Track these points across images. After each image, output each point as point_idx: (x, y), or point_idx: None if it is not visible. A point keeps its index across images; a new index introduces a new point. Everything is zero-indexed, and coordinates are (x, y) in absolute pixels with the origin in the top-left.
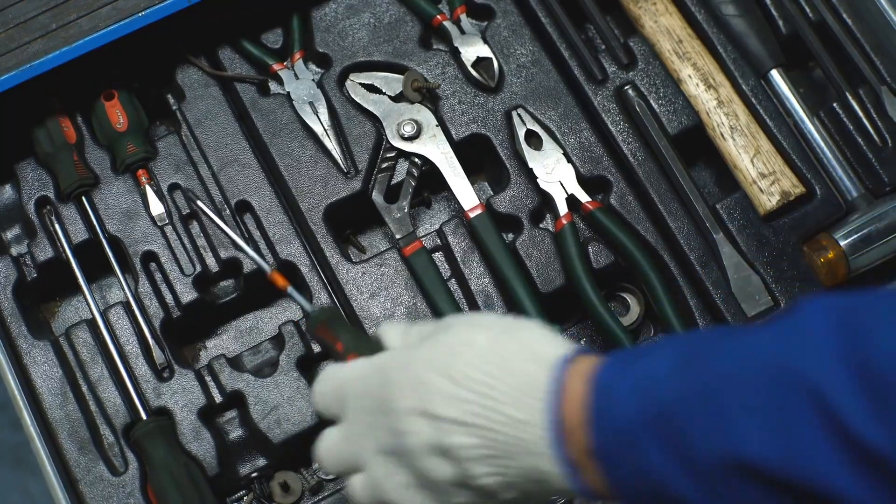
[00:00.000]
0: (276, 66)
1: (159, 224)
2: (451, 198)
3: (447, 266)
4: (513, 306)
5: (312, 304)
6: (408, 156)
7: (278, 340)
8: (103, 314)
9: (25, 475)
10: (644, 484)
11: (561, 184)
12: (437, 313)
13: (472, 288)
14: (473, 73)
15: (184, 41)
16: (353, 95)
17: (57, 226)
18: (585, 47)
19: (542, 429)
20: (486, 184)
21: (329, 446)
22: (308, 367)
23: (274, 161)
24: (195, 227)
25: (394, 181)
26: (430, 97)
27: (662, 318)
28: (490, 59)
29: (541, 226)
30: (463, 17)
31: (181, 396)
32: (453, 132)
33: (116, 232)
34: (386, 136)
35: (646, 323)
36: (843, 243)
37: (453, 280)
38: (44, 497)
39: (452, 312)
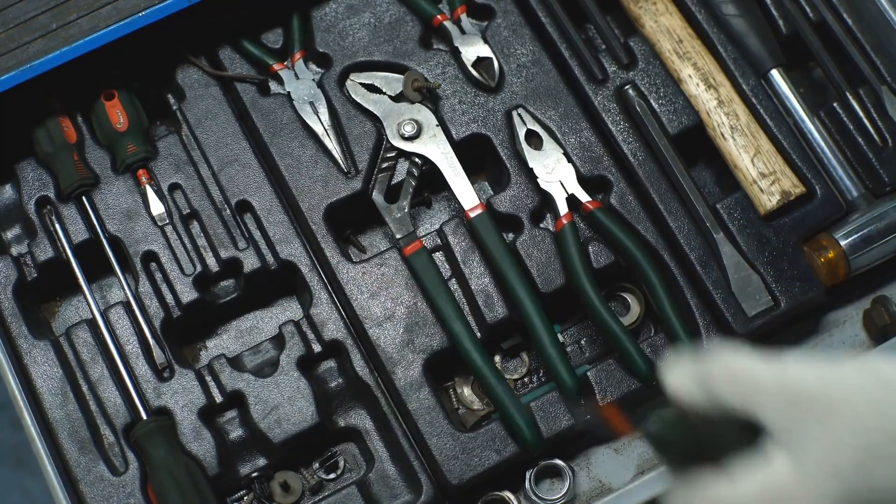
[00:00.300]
0: (276, 66)
1: (159, 224)
2: (452, 197)
3: (447, 266)
4: (513, 306)
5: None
6: (408, 155)
7: (278, 340)
8: (103, 314)
9: (25, 475)
10: None
11: (561, 183)
12: (437, 313)
13: (473, 288)
14: (474, 72)
15: (184, 41)
16: (353, 95)
17: (57, 226)
18: (586, 47)
19: None
20: (487, 183)
21: None
22: (308, 367)
23: (274, 161)
24: (195, 227)
25: (394, 181)
26: (430, 97)
27: (662, 318)
28: (490, 58)
29: (541, 225)
30: (463, 16)
31: (181, 396)
32: (453, 132)
33: (117, 232)
34: (386, 135)
35: (646, 323)
36: (843, 243)
37: (453, 280)
38: (44, 497)
39: (453, 312)
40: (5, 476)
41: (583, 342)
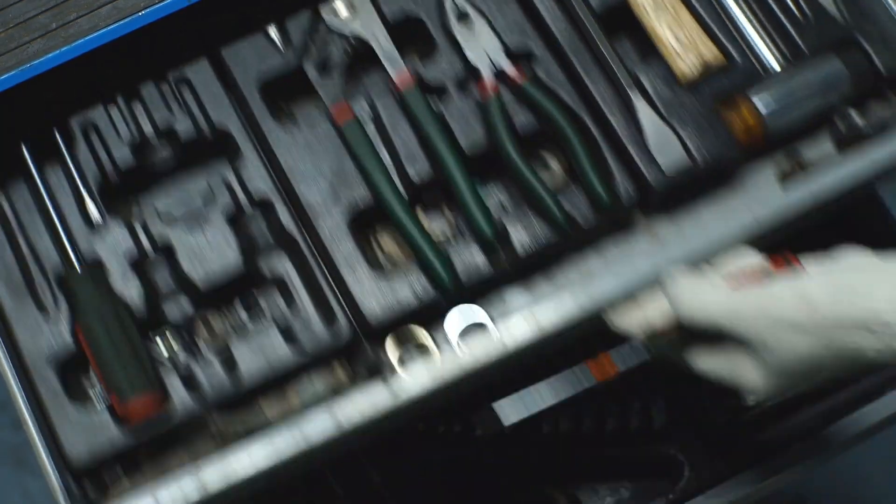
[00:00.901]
0: None
1: None
2: (383, 71)
3: (378, 135)
4: (439, 170)
5: None
6: (341, 33)
7: (208, 196)
8: (40, 172)
9: (25, 475)
10: None
11: (489, 57)
12: (364, 172)
13: (400, 153)
14: None
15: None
16: None
17: None
18: None
19: None
20: (417, 59)
21: None
22: (236, 221)
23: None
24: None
25: (327, 56)
26: None
27: (582, 176)
28: None
29: (468, 96)
30: None
31: (113, 247)
32: (386, 11)
33: None
34: (321, 13)
35: (566, 181)
36: (758, 103)
37: (383, 148)
38: (44, 497)
39: (380, 176)
40: (5, 476)
41: (503, 199)
